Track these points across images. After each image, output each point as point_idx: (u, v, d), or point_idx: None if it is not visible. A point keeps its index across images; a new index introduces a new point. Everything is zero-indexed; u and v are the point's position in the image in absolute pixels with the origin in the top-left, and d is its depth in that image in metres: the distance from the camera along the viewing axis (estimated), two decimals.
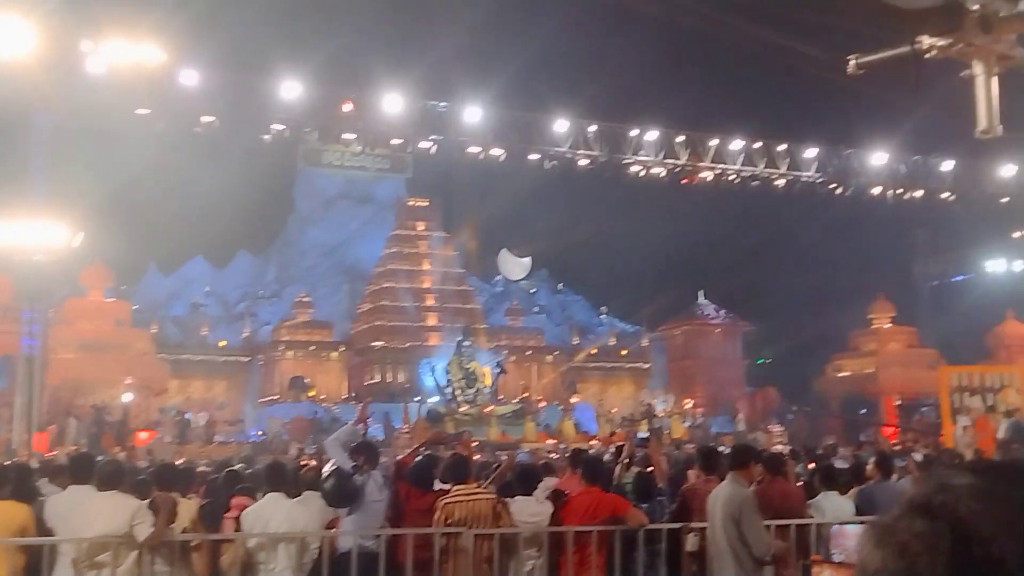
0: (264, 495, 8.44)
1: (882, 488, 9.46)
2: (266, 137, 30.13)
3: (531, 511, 8.43)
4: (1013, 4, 4.97)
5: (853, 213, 40.07)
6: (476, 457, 12.95)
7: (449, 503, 8.19)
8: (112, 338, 38.89)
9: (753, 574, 7.54)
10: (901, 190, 35.62)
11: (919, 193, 35.85)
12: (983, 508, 1.04)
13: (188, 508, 8.40)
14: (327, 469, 8.99)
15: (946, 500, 1.07)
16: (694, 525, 8.44)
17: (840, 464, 13.09)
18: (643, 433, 27.37)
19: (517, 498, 8.53)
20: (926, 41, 5.17)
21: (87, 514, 7.50)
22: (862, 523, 7.80)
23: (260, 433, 38.46)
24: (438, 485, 8.95)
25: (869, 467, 11.91)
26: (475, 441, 21.43)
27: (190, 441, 33.76)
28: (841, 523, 7.70)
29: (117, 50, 25.30)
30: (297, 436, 35.31)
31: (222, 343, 51.89)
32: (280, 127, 29.67)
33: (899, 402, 44.04)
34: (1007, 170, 35.54)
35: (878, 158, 34.70)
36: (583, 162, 32.37)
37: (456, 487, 8.33)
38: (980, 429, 22.26)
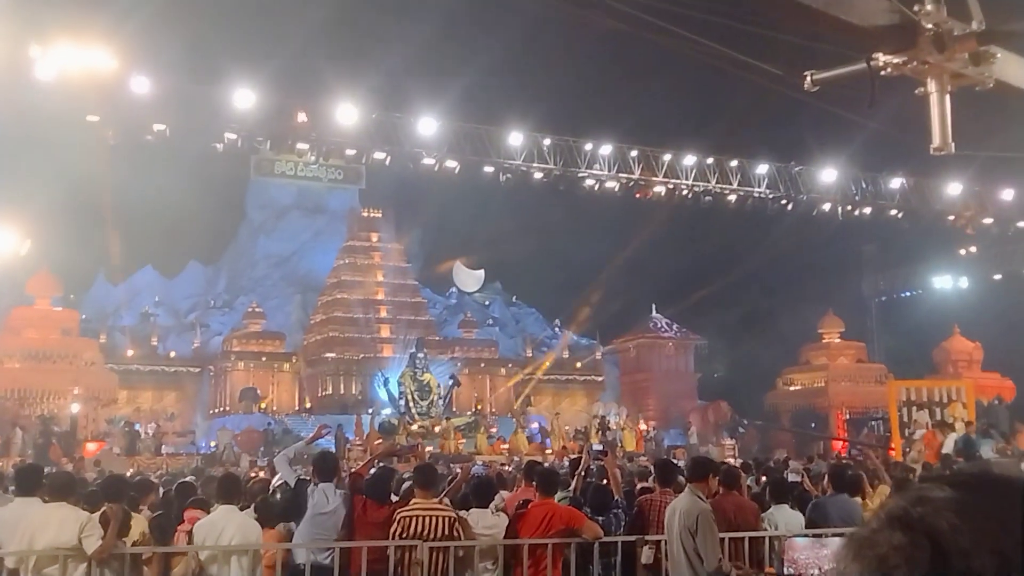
0: (217, 507, 8.35)
1: (835, 501, 9.54)
2: (218, 146, 29.85)
3: (486, 523, 8.40)
4: (967, 24, 5.06)
5: (803, 229, 40.51)
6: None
7: (406, 515, 8.13)
8: (59, 348, 38.23)
9: None
10: (850, 207, 36.12)
11: (868, 210, 36.37)
12: (962, 522, 1.03)
13: (139, 521, 8.29)
14: (275, 482, 8.95)
15: (925, 513, 1.06)
16: (649, 538, 8.46)
17: (793, 477, 13.20)
18: (598, 445, 27.45)
19: (472, 510, 8.50)
20: (882, 58, 5.24)
21: (34, 526, 7.36)
22: (814, 536, 7.88)
23: (212, 445, 38.00)
24: (394, 497, 8.91)
25: (806, 481, 12.08)
26: (428, 450, 21.41)
27: (139, 452, 33.27)
28: (793, 536, 7.77)
29: (66, 56, 24.97)
30: (248, 448, 34.98)
31: (172, 354, 51.27)
32: (233, 136, 29.41)
33: (848, 416, 44.55)
34: (954, 188, 36.16)
35: (828, 175, 35.16)
36: (537, 175, 32.46)
37: (415, 500, 8.27)
38: (927, 443, 22.54)
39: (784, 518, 9.08)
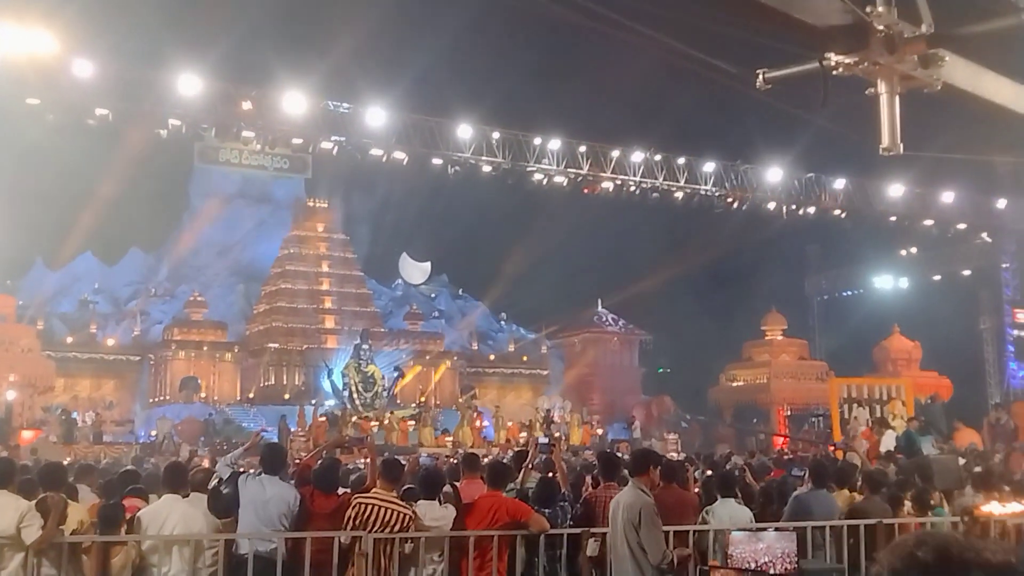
0: (159, 496, 8.24)
1: (815, 497, 9.66)
2: (162, 132, 29.41)
3: (434, 515, 8.39)
4: (917, 26, 5.13)
5: (749, 227, 40.96)
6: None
7: (363, 501, 8.10)
8: None
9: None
10: (795, 206, 36.55)
11: (812, 209, 36.84)
12: None
13: (77, 510, 8.14)
14: (213, 480, 8.88)
15: None
16: (594, 530, 8.50)
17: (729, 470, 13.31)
18: (544, 438, 27.51)
19: (420, 502, 8.49)
20: (833, 58, 5.29)
21: None
22: (758, 530, 7.96)
23: (151, 434, 37.54)
24: (341, 489, 8.87)
25: (748, 475, 12.19)
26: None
27: (77, 441, 32.78)
28: (737, 529, 7.84)
29: (7, 37, 24.45)
30: (188, 438, 34.65)
31: (111, 342, 50.52)
32: (177, 122, 28.99)
33: (789, 412, 45.13)
34: (895, 190, 36.74)
35: (773, 174, 35.55)
36: (486, 168, 32.44)
37: (375, 490, 8.25)
38: (864, 439, 22.87)
39: (729, 511, 9.17)
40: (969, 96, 5.55)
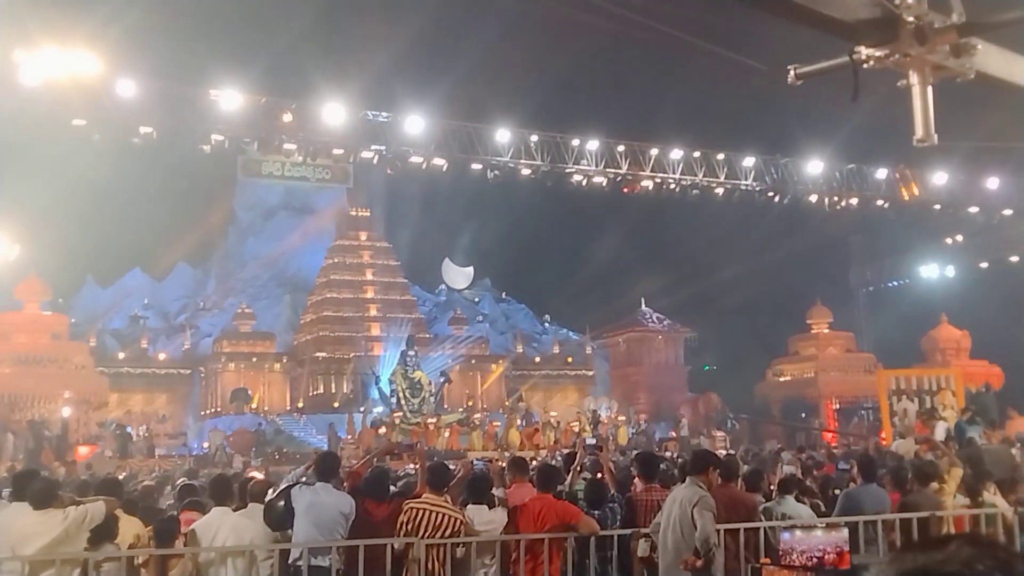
0: (210, 509, 8.38)
1: (866, 491, 9.62)
2: (205, 148, 29.79)
3: (484, 519, 8.44)
4: (947, 16, 5.12)
5: (790, 221, 40.69)
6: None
7: (415, 507, 8.18)
8: (49, 352, 38.16)
9: (701, 575, 7.64)
10: (837, 198, 36.24)
11: (854, 200, 36.51)
12: None
13: (133, 524, 8.30)
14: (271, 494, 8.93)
15: None
16: (644, 531, 8.51)
17: (788, 468, 13.27)
18: (592, 439, 27.49)
19: (470, 506, 8.54)
20: (864, 52, 5.29)
21: (24, 532, 7.38)
22: (813, 526, 7.94)
23: (204, 446, 37.99)
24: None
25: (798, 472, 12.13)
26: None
27: (131, 455, 33.26)
28: (787, 526, 7.83)
29: (52, 60, 24.92)
30: (240, 448, 34.99)
31: (162, 356, 51.18)
32: (219, 137, 29.36)
33: (838, 406, 44.73)
34: (939, 178, 36.32)
35: (814, 166, 35.28)
36: (525, 172, 32.50)
37: (425, 495, 8.32)
38: (917, 431, 22.63)
39: (789, 509, 9.16)
40: (1003, 83, 5.52)
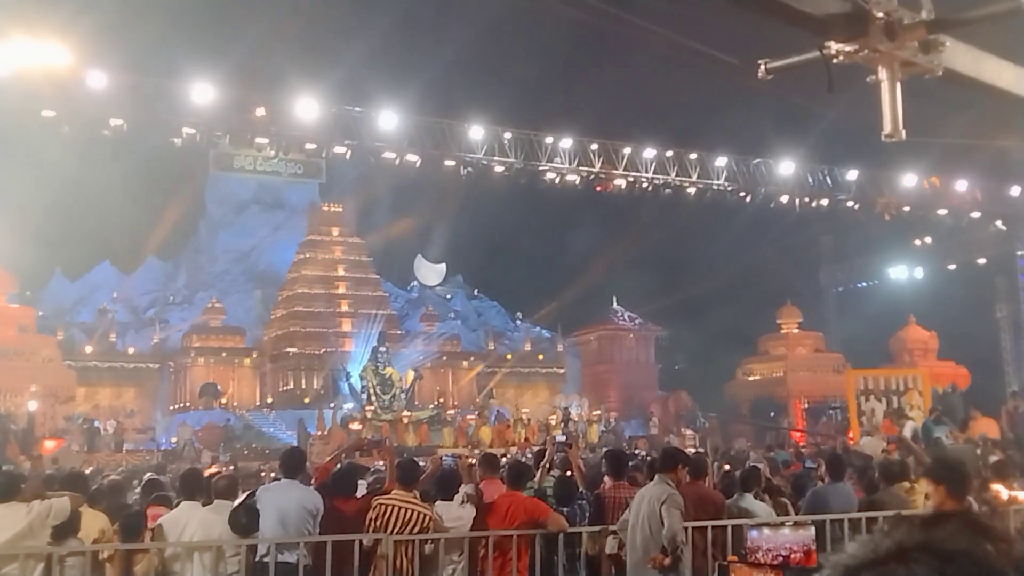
0: (177, 504, 8.30)
1: (834, 490, 9.66)
2: (177, 141, 29.52)
3: (452, 516, 8.43)
4: (916, 12, 5.15)
5: (761, 221, 40.91)
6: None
7: (383, 502, 8.15)
8: (16, 345, 37.80)
9: (668, 573, 7.65)
10: (808, 199, 36.43)
11: (825, 202, 36.72)
12: None
13: (98, 518, 8.22)
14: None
15: None
16: (612, 528, 8.53)
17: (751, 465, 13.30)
18: (562, 437, 27.57)
19: (438, 503, 8.53)
20: (833, 47, 5.31)
21: None
22: (780, 524, 7.97)
23: (173, 440, 37.75)
24: (361, 491, 8.92)
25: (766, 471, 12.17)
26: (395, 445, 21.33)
27: (99, 449, 32.99)
28: (755, 524, 7.85)
29: (21, 51, 24.63)
30: (209, 444, 34.79)
31: (131, 350, 50.80)
32: (191, 131, 29.10)
33: (806, 405, 45.02)
34: (909, 179, 36.60)
35: (786, 167, 35.46)
36: (498, 169, 32.45)
37: (395, 492, 8.29)
38: (885, 431, 22.80)
39: (747, 506, 9.19)
40: (971, 81, 5.56)
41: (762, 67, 5.47)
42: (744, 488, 9.47)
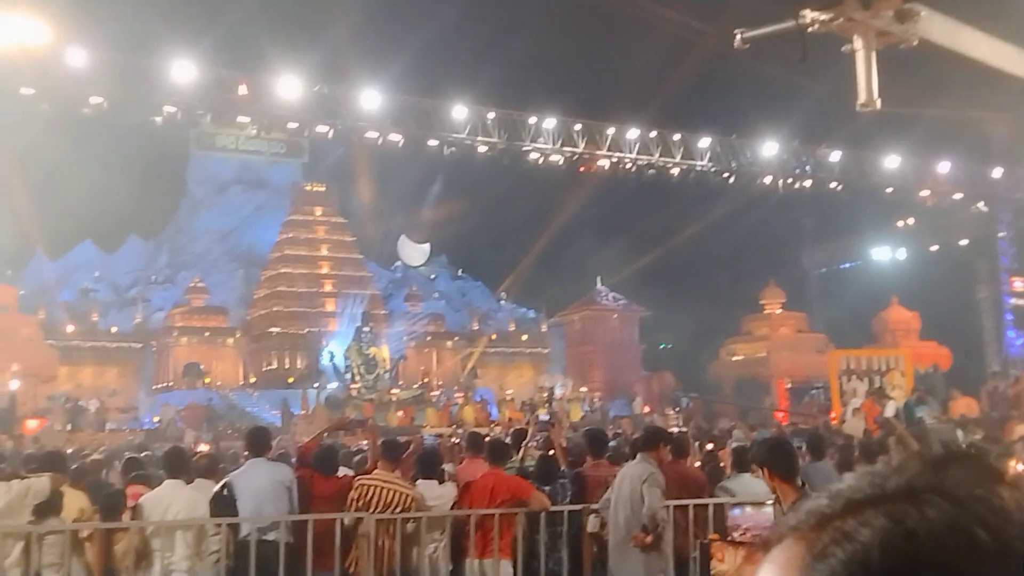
0: (161, 482, 8.29)
1: (815, 469, 9.70)
2: (157, 119, 29.34)
3: (434, 494, 8.45)
4: None
5: (745, 201, 40.96)
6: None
7: (365, 483, 8.17)
8: None
9: (650, 551, 7.69)
10: (791, 179, 36.52)
11: (808, 183, 36.82)
12: None
13: (78, 497, 8.19)
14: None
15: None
16: (594, 507, 8.56)
17: (736, 445, 13.36)
18: (544, 416, 27.62)
19: (420, 481, 8.55)
20: (809, 15, 5.30)
21: None
22: (761, 503, 8.00)
23: (155, 420, 37.65)
24: (342, 471, 8.92)
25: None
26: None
27: (81, 429, 32.86)
28: (735, 504, 7.88)
29: None
30: (192, 423, 34.70)
31: (113, 329, 50.55)
32: (172, 109, 28.93)
33: (789, 385, 45.20)
34: (892, 161, 36.70)
35: (768, 148, 35.52)
36: (482, 149, 32.39)
37: (376, 471, 8.30)
38: (867, 411, 22.97)
39: (744, 485, 9.23)
40: (947, 52, 5.55)
41: (738, 36, 5.45)
42: (739, 469, 9.51)
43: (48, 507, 7.61)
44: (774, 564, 0.88)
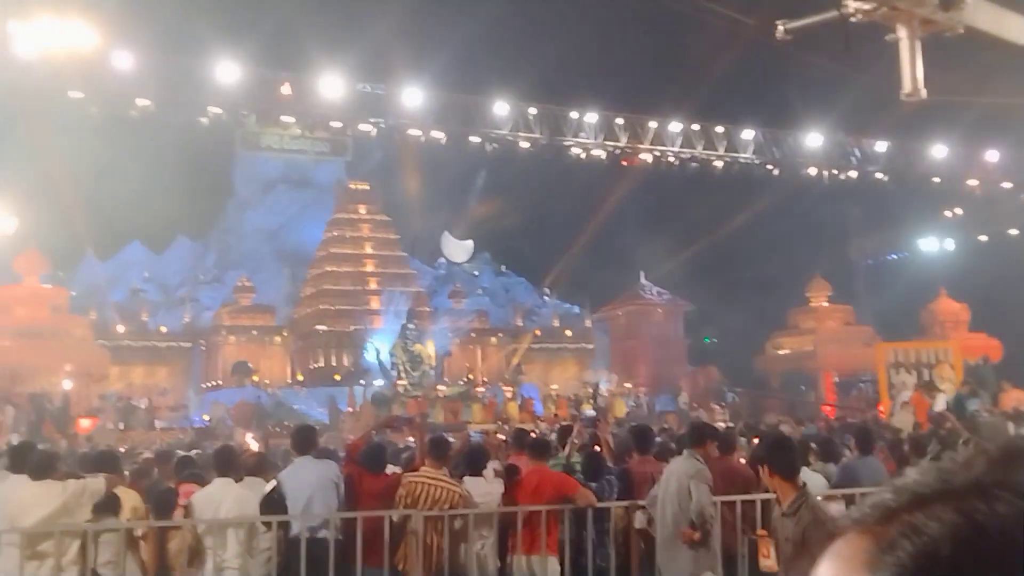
0: (212, 480, 8.39)
1: (863, 463, 9.62)
2: (203, 120, 29.69)
3: (481, 491, 8.48)
4: None
5: (790, 194, 40.58)
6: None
7: (413, 481, 8.21)
8: (49, 325, 38.21)
9: (698, 547, 7.67)
10: (836, 171, 36.15)
11: (853, 173, 36.42)
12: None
13: (131, 496, 8.32)
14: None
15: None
16: (642, 503, 8.54)
17: None
18: (590, 412, 27.59)
19: (466, 478, 8.58)
20: (852, 5, 5.24)
21: (22, 503, 7.41)
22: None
23: (206, 418, 38.09)
24: (390, 468, 8.98)
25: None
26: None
27: (133, 427, 33.34)
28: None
29: (48, 32, 24.77)
30: (241, 421, 35.04)
31: (163, 329, 51.21)
32: (217, 110, 29.26)
33: (837, 379, 44.79)
34: (938, 150, 36.21)
35: (813, 139, 35.18)
36: (524, 144, 32.41)
37: (424, 468, 8.34)
38: (916, 404, 22.72)
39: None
40: (993, 39, 5.46)
41: (780, 28, 5.41)
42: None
43: (108, 507, 7.74)
44: (838, 558, 0.88)
